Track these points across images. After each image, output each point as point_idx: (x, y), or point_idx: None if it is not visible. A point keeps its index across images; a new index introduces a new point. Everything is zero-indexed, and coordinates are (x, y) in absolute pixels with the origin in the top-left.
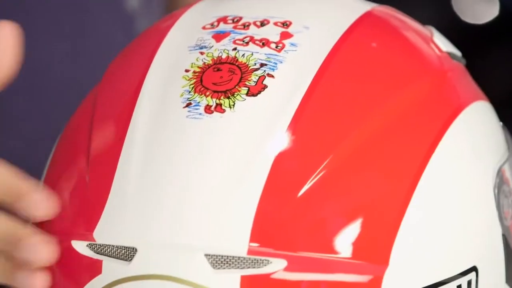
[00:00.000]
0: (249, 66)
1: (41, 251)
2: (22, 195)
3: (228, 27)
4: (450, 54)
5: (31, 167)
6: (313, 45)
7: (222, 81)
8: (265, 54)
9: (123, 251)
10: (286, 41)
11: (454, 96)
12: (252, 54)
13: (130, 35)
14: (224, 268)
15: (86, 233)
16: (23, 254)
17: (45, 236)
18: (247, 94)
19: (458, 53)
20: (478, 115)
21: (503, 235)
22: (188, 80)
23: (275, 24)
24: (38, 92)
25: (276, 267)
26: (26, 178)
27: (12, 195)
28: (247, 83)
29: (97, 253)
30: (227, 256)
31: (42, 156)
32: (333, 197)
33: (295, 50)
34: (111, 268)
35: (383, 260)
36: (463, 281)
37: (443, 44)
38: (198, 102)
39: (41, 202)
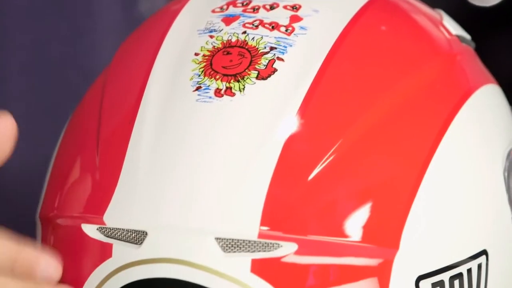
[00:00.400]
0: (259, 50)
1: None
2: (27, 265)
3: (238, 10)
4: (459, 37)
5: (37, 152)
6: (322, 28)
7: (231, 64)
8: (275, 37)
9: (133, 234)
10: (295, 25)
11: (463, 80)
12: (261, 37)
13: (132, 16)
14: (235, 252)
15: (96, 217)
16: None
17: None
18: (257, 78)
19: (467, 36)
20: (488, 99)
21: None
22: (198, 63)
23: (285, 7)
24: (39, 73)
25: (286, 250)
26: (22, 241)
27: (10, 259)
28: (257, 66)
29: (107, 236)
30: (238, 240)
31: (48, 140)
32: (343, 180)
33: (305, 34)
34: (121, 252)
35: (393, 244)
36: (473, 264)
37: (453, 27)
38: (208, 86)
39: (43, 261)
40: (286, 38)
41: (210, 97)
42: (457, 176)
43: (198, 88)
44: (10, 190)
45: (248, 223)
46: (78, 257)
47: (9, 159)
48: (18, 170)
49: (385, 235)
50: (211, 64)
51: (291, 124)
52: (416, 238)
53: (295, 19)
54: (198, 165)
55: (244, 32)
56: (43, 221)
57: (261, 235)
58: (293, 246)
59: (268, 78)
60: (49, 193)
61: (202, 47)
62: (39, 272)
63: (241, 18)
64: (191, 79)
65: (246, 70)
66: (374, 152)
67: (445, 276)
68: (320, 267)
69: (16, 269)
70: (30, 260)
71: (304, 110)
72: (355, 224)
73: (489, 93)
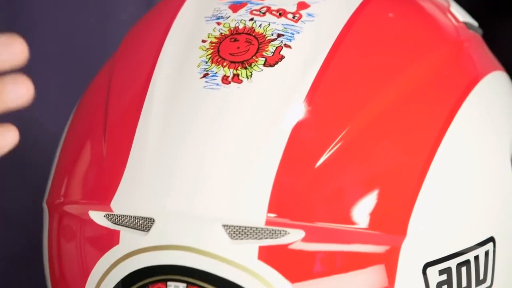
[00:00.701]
0: (266, 37)
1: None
2: None
3: None
4: (467, 24)
5: (50, 135)
6: (330, 15)
7: (239, 51)
8: (282, 24)
9: (140, 221)
10: (303, 12)
11: (471, 67)
12: (269, 24)
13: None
14: (242, 239)
15: (104, 204)
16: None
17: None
18: (264, 65)
19: (474, 23)
20: (495, 86)
21: None
22: (205, 50)
23: None
24: (61, 62)
25: (293, 237)
26: None
27: None
28: (264, 53)
29: (115, 223)
30: (245, 227)
31: (62, 124)
32: (350, 167)
33: (312, 21)
34: (129, 239)
35: (400, 231)
36: (481, 251)
37: (460, 14)
38: (215, 73)
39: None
40: (293, 25)
41: (217, 84)
42: (464, 163)
43: (205, 75)
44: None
45: (255, 210)
46: (85, 244)
47: (37, 149)
48: (45, 160)
49: (392, 222)
50: (218, 51)
51: (298, 111)
52: (423, 225)
53: (302, 6)
54: (205, 152)
55: (252, 19)
56: (50, 208)
57: (268, 222)
58: (300, 233)
59: (276, 65)
60: (56, 180)
61: (209, 34)
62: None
63: (249, 5)
64: (198, 66)
65: (254, 57)
66: (381, 139)
67: (453, 263)
68: (327, 254)
69: None
70: None
71: (312, 97)
72: (362, 211)
73: (496, 80)
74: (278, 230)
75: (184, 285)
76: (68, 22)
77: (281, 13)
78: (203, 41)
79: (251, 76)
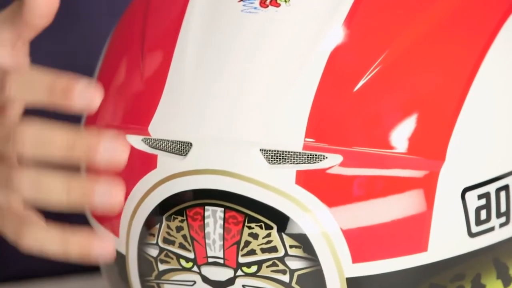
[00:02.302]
0: None
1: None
2: (64, 90)
3: None
4: None
5: (86, 60)
6: None
7: None
8: None
9: (178, 145)
10: None
11: None
12: None
13: None
14: (279, 163)
15: (141, 128)
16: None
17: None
18: None
19: None
20: None
21: None
22: None
23: None
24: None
25: (331, 162)
26: (61, 76)
27: (54, 92)
28: None
29: (152, 147)
30: (283, 152)
31: (97, 50)
32: (389, 92)
33: None
34: (166, 163)
35: (439, 156)
36: None
37: None
38: None
39: (84, 91)
40: None
41: (255, 8)
42: (503, 87)
43: None
44: None
45: (293, 135)
46: (123, 168)
47: None
48: None
49: (431, 146)
50: None
51: (337, 34)
52: (462, 150)
53: None
54: (243, 76)
55: None
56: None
57: (306, 147)
58: (338, 158)
59: None
60: None
61: None
62: (76, 94)
63: None
64: None
65: None
66: (420, 63)
67: (491, 188)
68: (365, 178)
69: (54, 93)
70: (66, 83)
71: (350, 21)
72: (400, 136)
73: None
74: (315, 155)
75: (222, 209)
76: None
77: None
78: None
79: None
